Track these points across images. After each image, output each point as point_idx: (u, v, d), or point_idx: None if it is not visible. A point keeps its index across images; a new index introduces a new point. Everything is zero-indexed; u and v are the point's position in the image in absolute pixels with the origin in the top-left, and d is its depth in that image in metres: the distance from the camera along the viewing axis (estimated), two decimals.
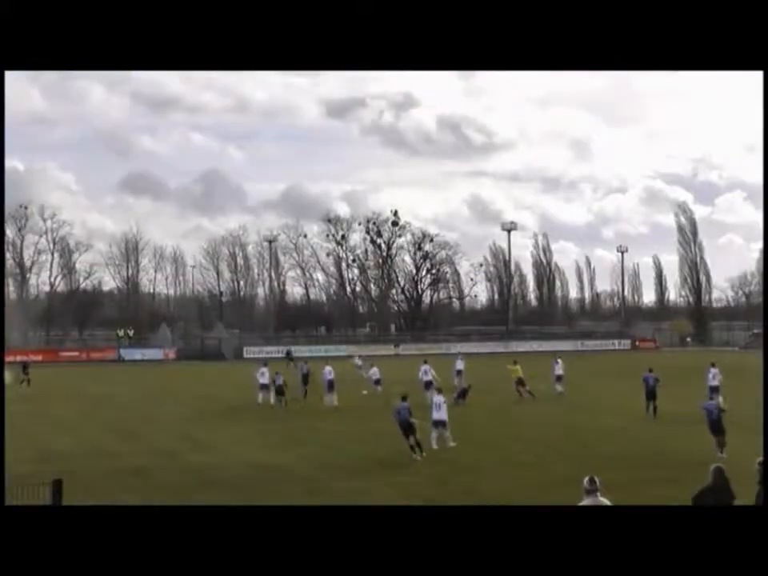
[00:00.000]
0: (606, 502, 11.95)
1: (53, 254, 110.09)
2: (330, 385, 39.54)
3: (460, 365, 48.35)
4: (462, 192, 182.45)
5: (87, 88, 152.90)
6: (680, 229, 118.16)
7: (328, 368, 40.12)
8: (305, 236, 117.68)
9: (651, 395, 33.81)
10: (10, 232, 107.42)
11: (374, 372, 43.96)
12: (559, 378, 44.08)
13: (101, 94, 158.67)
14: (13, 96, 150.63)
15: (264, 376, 39.80)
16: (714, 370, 36.43)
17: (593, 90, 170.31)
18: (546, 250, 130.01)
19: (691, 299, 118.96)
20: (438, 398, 26.67)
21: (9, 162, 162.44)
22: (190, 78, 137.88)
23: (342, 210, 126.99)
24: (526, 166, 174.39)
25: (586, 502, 11.93)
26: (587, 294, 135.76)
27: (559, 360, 45.49)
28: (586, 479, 12.23)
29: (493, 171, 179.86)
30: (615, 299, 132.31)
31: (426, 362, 42.17)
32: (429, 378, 40.41)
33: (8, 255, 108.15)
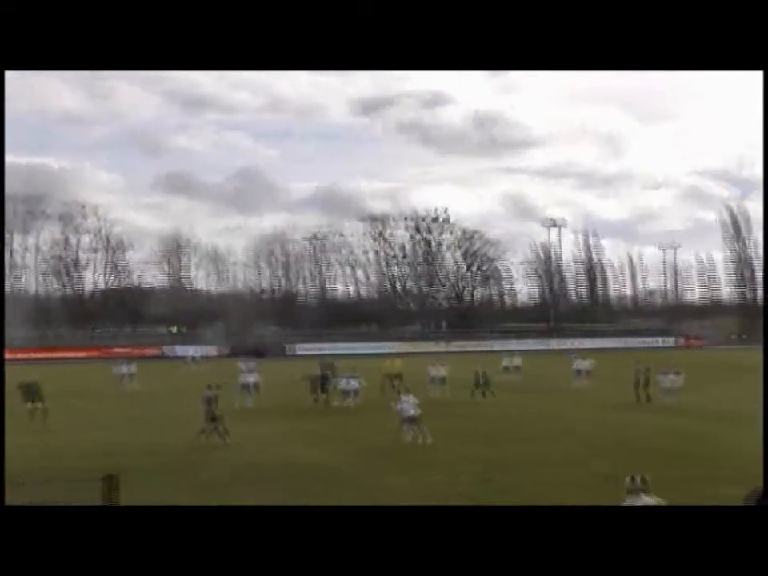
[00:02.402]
0: (651, 501, 11.67)
1: (100, 252, 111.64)
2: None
3: (509, 361, 49.13)
4: (496, 189, 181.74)
5: (119, 88, 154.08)
6: (726, 224, 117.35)
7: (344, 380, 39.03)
8: (351, 235, 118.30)
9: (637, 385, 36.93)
10: (58, 231, 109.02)
11: (438, 370, 43.96)
12: (579, 373, 45.51)
13: (134, 94, 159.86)
14: (48, 96, 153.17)
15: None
16: None
17: (622, 87, 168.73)
18: (589, 247, 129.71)
19: (739, 296, 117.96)
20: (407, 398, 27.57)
21: (46, 161, 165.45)
22: (223, 78, 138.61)
23: (379, 207, 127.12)
24: (560, 162, 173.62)
25: (629, 501, 11.68)
26: (631, 291, 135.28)
27: (577, 357, 46.93)
28: (628, 478, 11.94)
29: (526, 168, 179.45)
30: (659, 296, 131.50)
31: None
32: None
33: (57, 253, 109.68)
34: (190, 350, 64.21)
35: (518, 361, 51.18)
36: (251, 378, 39.78)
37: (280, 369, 49.79)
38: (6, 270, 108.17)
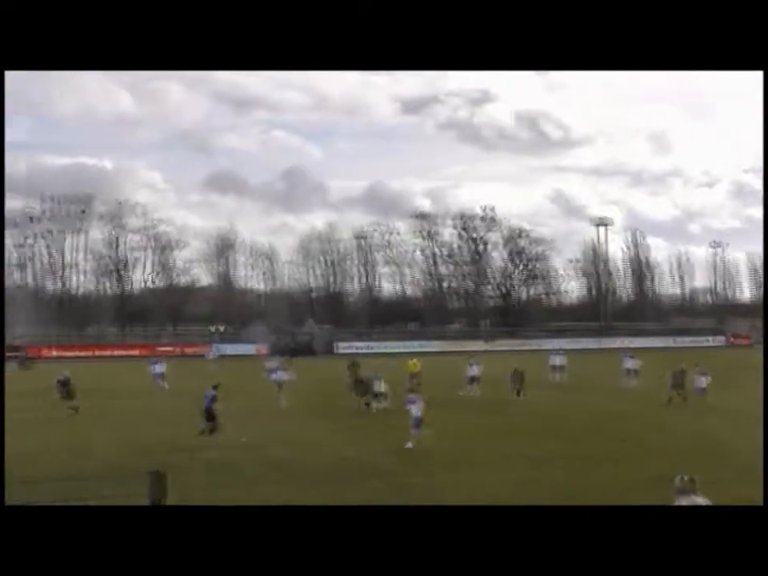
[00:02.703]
0: (701, 501, 11.60)
1: (147, 251, 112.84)
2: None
3: (558, 360, 49.08)
4: (544, 187, 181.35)
5: (167, 88, 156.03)
6: None
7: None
8: (398, 233, 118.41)
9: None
10: (107, 230, 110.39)
11: (474, 369, 43.80)
12: (629, 372, 45.55)
13: (181, 94, 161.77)
14: (98, 97, 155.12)
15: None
16: None
17: (670, 85, 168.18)
18: (639, 245, 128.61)
19: None
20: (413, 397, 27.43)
21: (98, 162, 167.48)
22: (270, 78, 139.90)
23: (426, 205, 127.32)
24: (607, 160, 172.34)
25: (680, 501, 11.60)
26: (681, 290, 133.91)
27: (628, 356, 46.78)
28: (678, 478, 11.91)
29: (573, 166, 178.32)
30: (709, 295, 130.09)
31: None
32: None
33: (106, 252, 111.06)
34: (212, 350, 64.18)
35: (563, 360, 50.95)
36: (282, 377, 40.05)
37: (328, 367, 49.70)
38: (57, 270, 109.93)
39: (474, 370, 43.20)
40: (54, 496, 14.12)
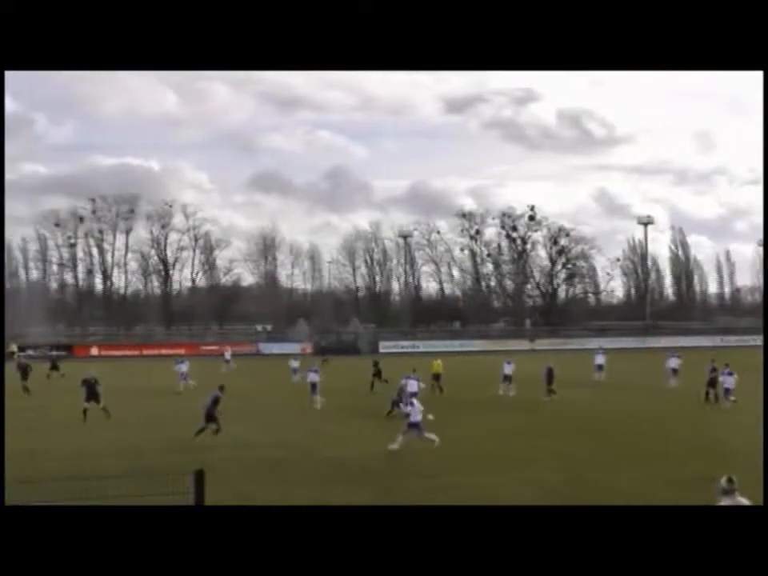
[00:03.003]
0: (745, 502, 11.47)
1: (194, 251, 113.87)
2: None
3: (600, 359, 48.87)
4: (587, 186, 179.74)
5: (212, 88, 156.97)
6: None
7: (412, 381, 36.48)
8: (437, 232, 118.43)
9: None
10: (154, 229, 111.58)
11: (508, 368, 43.66)
12: (674, 372, 45.60)
13: (226, 95, 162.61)
14: (144, 97, 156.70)
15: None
16: None
17: (714, 83, 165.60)
18: (684, 244, 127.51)
19: None
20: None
21: (144, 163, 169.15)
22: (315, 78, 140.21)
23: (469, 204, 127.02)
24: (650, 159, 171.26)
25: (724, 502, 11.44)
26: (727, 289, 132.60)
27: (678, 356, 46.86)
28: (724, 478, 11.70)
29: (616, 165, 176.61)
30: (756, 294, 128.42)
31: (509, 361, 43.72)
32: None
33: (153, 252, 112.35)
34: (228, 351, 64.45)
35: (603, 359, 50.79)
36: (313, 378, 39.10)
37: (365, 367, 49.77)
38: (105, 269, 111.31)
39: (508, 369, 43.08)
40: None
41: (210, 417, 27.79)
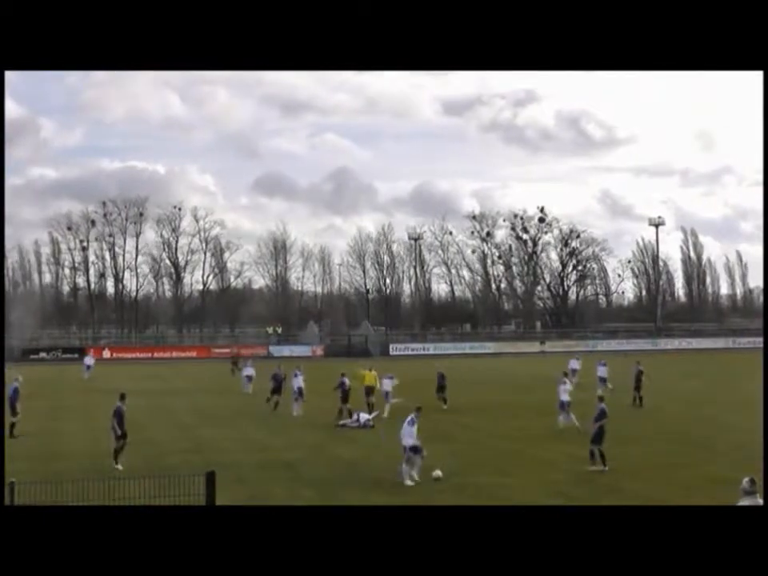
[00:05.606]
0: (761, 503, 11.57)
1: (205, 254, 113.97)
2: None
3: (602, 371, 48.24)
4: (591, 188, 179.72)
5: (216, 92, 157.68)
6: None
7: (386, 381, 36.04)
8: (450, 233, 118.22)
9: None
10: (163, 233, 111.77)
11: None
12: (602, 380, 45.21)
13: (230, 98, 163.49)
14: (150, 102, 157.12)
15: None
16: None
17: (717, 83, 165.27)
18: (696, 245, 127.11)
19: None
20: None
21: (150, 166, 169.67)
22: (320, 81, 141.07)
23: (474, 206, 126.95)
24: (654, 160, 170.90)
25: (744, 502, 11.53)
26: (736, 290, 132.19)
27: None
28: (746, 480, 11.81)
29: (620, 166, 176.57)
30: (764, 294, 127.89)
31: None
32: None
33: (163, 255, 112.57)
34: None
35: (605, 371, 49.95)
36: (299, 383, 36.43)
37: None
38: (117, 272, 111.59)
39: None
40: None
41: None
